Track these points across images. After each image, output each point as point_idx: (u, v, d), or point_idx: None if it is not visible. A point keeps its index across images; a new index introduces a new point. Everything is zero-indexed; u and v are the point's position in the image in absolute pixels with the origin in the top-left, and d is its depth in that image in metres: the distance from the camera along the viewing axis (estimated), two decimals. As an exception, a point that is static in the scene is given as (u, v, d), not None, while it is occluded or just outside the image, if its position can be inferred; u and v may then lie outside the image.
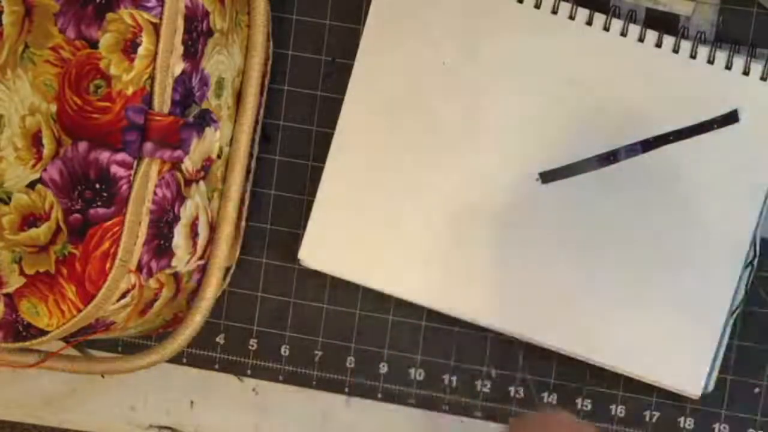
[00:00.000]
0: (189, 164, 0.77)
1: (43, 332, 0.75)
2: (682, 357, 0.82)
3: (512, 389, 0.87)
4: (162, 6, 0.72)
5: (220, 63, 0.80)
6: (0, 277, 0.75)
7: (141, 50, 0.72)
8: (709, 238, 0.81)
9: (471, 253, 0.84)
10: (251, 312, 0.90)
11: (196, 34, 0.76)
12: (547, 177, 0.82)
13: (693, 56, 0.80)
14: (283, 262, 0.89)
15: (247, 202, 0.87)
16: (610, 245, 0.82)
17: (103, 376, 0.91)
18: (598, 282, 0.82)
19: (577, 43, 0.82)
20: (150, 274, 0.77)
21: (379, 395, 0.89)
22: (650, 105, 0.81)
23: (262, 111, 0.87)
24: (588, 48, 0.82)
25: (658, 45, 0.81)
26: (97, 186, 0.73)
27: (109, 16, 0.72)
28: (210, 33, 0.78)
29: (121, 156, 0.73)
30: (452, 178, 0.84)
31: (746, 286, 0.82)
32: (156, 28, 0.73)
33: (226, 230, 0.82)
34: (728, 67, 0.80)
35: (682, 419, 0.85)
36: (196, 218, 0.80)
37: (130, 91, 0.72)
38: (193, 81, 0.77)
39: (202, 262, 0.82)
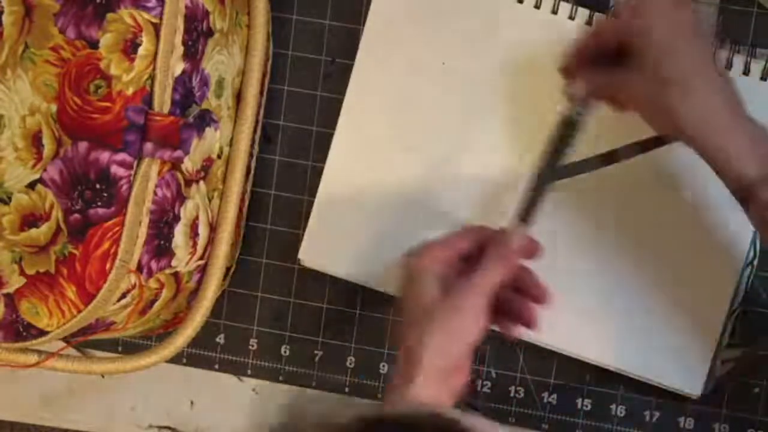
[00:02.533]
0: (189, 164, 0.77)
1: (43, 332, 0.75)
2: (682, 357, 0.82)
3: (512, 389, 0.87)
4: (162, 6, 0.72)
5: (220, 63, 0.80)
6: (0, 277, 0.75)
7: (141, 50, 0.72)
8: (709, 238, 0.81)
9: (471, 253, 0.84)
10: (251, 312, 0.90)
11: (197, 35, 0.76)
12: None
13: (693, 56, 0.80)
14: (283, 262, 0.89)
15: (247, 202, 0.87)
16: (609, 245, 0.82)
17: (103, 376, 0.91)
18: (598, 282, 0.82)
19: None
20: (150, 275, 0.77)
21: (379, 395, 0.89)
22: (650, 105, 0.81)
23: (262, 111, 0.87)
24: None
25: (658, 45, 0.81)
26: (98, 186, 0.73)
27: (110, 16, 0.72)
28: (210, 33, 0.78)
29: (121, 156, 0.73)
30: (452, 178, 0.84)
31: (746, 286, 0.82)
32: (156, 28, 0.73)
33: (227, 230, 0.82)
34: (728, 67, 0.80)
35: (682, 419, 0.85)
36: (197, 218, 0.80)
37: (130, 91, 0.72)
38: (193, 81, 0.77)
39: (202, 262, 0.82)
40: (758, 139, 0.69)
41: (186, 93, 0.76)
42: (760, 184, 0.68)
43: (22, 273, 0.75)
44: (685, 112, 0.69)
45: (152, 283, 0.78)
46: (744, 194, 0.69)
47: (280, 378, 0.91)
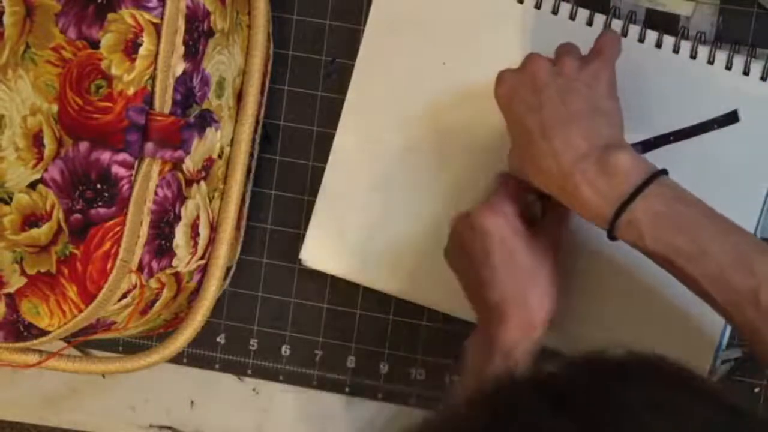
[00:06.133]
0: (190, 164, 0.77)
1: (44, 332, 0.75)
2: (682, 357, 0.82)
3: (512, 389, 0.87)
4: (163, 6, 0.72)
5: (220, 63, 0.80)
6: (1, 277, 0.75)
7: (142, 50, 0.72)
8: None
9: (471, 253, 0.84)
10: (251, 312, 0.90)
11: (197, 35, 0.76)
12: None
13: (693, 56, 0.80)
14: (283, 262, 0.89)
15: (247, 202, 0.87)
16: (610, 245, 0.82)
17: (103, 376, 0.91)
18: (599, 281, 0.82)
19: (577, 43, 0.82)
20: (151, 275, 0.77)
21: (379, 395, 0.89)
22: (650, 105, 0.81)
23: (262, 111, 0.87)
24: (588, 48, 0.81)
25: (658, 45, 0.81)
26: (98, 186, 0.73)
27: (110, 16, 0.72)
28: (211, 33, 0.78)
29: (122, 156, 0.73)
30: (452, 179, 0.84)
31: (746, 286, 0.82)
32: (157, 28, 0.73)
33: (227, 230, 0.82)
34: (728, 67, 0.80)
35: (682, 419, 0.85)
36: (197, 218, 0.80)
37: (131, 91, 0.72)
38: (194, 81, 0.77)
39: (202, 262, 0.82)
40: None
41: (187, 93, 0.76)
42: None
43: (23, 273, 0.75)
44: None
45: (153, 283, 0.78)
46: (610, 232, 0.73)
47: (280, 378, 0.91)
